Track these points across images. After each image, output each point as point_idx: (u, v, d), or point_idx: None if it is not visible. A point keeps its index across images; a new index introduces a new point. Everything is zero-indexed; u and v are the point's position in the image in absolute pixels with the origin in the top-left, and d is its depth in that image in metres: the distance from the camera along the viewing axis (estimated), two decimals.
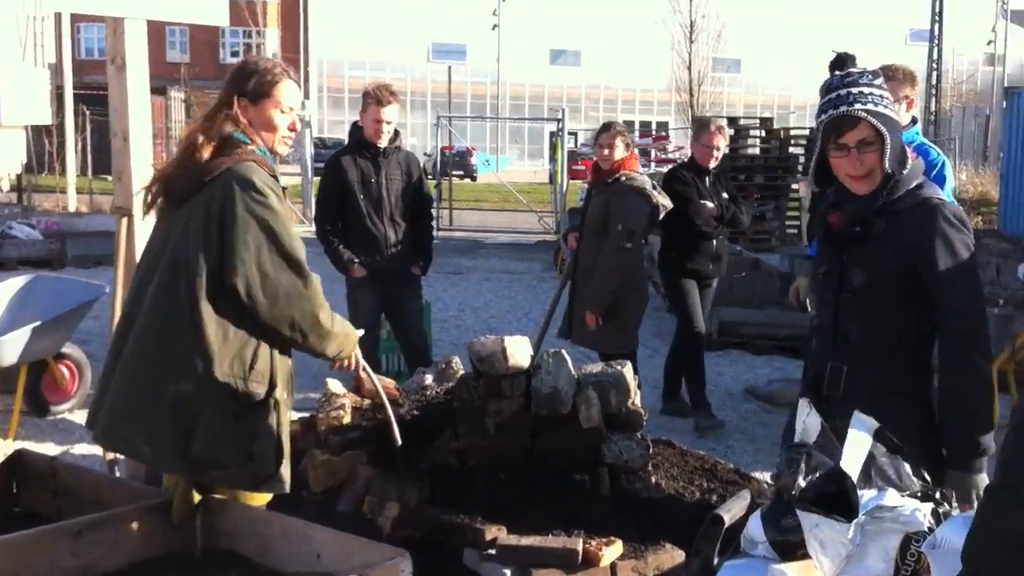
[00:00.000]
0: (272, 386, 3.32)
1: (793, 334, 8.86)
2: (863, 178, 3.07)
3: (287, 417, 3.41)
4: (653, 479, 4.44)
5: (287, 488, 3.42)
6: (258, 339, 3.27)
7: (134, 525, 3.26)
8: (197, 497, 3.33)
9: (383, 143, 6.44)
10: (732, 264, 8.98)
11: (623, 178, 6.33)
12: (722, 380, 8.39)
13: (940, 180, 4.36)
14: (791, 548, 2.20)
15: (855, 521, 2.14)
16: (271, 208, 3.23)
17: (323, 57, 53.12)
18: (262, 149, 3.35)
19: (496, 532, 3.82)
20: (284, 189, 3.65)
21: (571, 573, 3.70)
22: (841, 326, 3.16)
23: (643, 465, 4.39)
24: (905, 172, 3.07)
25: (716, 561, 2.11)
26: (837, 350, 3.17)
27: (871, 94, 3.03)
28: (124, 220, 4.83)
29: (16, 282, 7.00)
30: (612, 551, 3.76)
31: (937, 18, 33.29)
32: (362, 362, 3.64)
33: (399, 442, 3.84)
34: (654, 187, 6.48)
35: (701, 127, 7.24)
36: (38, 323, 6.30)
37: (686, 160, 7.73)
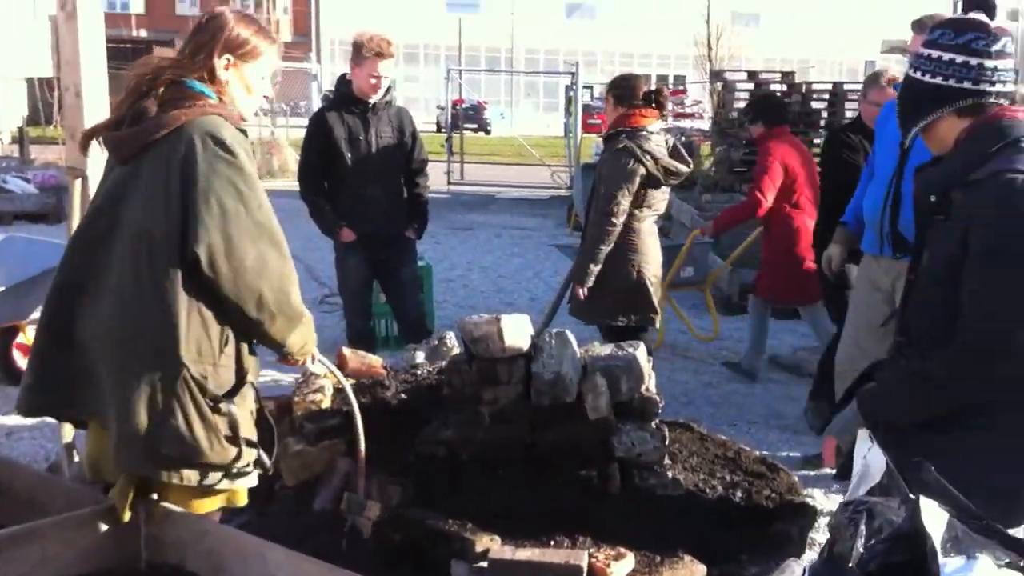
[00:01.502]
0: (243, 371, 2.93)
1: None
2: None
3: (254, 405, 3.01)
4: (670, 473, 3.96)
5: (269, 470, 3.07)
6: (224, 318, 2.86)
7: (66, 537, 2.81)
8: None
9: (377, 99, 5.91)
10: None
11: (620, 136, 5.62)
12: (743, 347, 7.85)
13: None
14: None
15: None
16: (240, 168, 2.79)
17: (336, 6, 52.19)
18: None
19: (488, 543, 3.34)
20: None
21: None
22: (905, 315, 2.62)
23: (658, 459, 3.90)
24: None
25: None
26: (899, 340, 2.62)
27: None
28: (78, 182, 4.30)
29: None
30: (622, 566, 3.27)
31: None
32: (318, 355, 3.17)
33: (362, 452, 3.47)
34: (675, 148, 5.66)
35: (870, 81, 6.01)
36: (2, 288, 5.83)
37: (852, 120, 6.61)
